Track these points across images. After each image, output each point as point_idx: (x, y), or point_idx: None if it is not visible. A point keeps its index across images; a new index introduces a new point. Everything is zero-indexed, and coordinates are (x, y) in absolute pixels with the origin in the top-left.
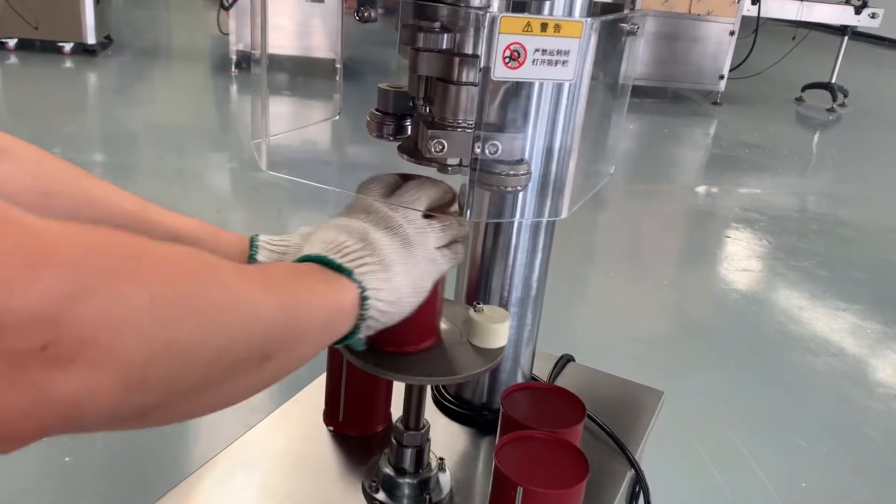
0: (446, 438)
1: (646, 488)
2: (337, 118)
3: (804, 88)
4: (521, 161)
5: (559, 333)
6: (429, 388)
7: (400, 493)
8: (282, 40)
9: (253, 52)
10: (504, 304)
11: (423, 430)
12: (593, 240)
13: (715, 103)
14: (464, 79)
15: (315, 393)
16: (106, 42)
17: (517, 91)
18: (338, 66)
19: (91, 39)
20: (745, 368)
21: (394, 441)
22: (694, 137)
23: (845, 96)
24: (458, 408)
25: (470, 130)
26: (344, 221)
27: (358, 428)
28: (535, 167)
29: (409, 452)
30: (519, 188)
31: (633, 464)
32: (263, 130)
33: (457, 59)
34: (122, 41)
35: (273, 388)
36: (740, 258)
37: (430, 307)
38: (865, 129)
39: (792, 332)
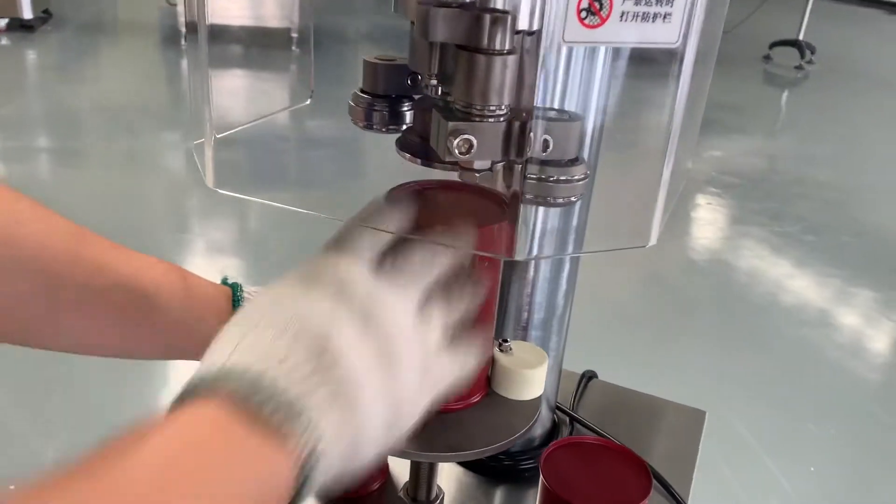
0: (453, 489)
1: None
2: (307, 103)
3: (772, 46)
4: (576, 160)
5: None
6: None
7: None
8: (231, 9)
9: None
10: (524, 328)
11: (435, 501)
12: None
13: None
14: (504, 46)
15: None
16: (44, 17)
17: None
18: (294, 35)
19: (28, 14)
20: (738, 344)
21: None
22: (665, 100)
23: (813, 53)
24: None
25: (503, 120)
26: (299, 307)
27: (349, 488)
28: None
29: None
30: (573, 199)
31: None
32: (207, 130)
33: (493, 18)
34: (62, 15)
35: None
36: (721, 225)
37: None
38: (834, 86)
39: (783, 302)
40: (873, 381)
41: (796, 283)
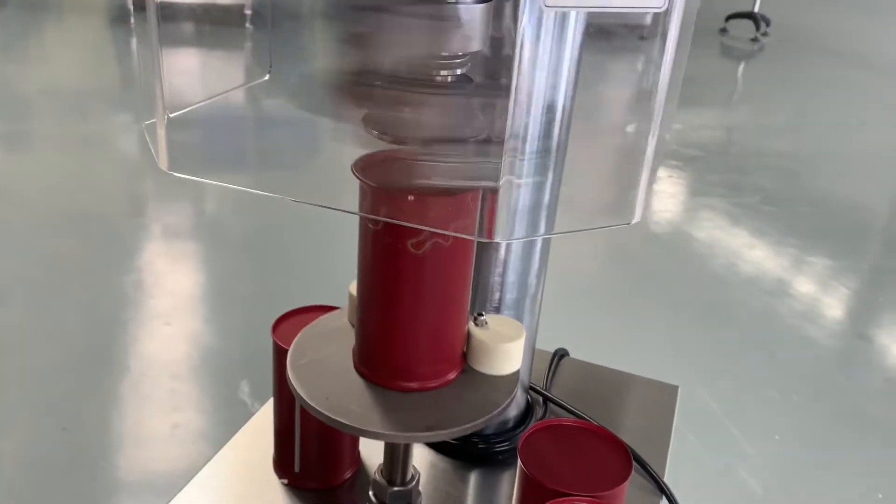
0: (427, 475)
1: None
2: (266, 79)
3: (727, 18)
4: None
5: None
6: None
7: None
8: None
9: None
10: (496, 307)
11: (412, 484)
12: None
13: (642, 38)
14: None
15: (262, 430)
16: None
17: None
18: (247, 11)
19: None
20: (699, 313)
21: (374, 499)
22: (621, 73)
23: (768, 25)
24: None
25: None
26: None
27: (319, 479)
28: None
29: None
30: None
31: (666, 493)
32: (159, 109)
33: None
34: None
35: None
36: (682, 197)
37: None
38: (790, 57)
39: (743, 272)
40: (832, 347)
41: (755, 254)
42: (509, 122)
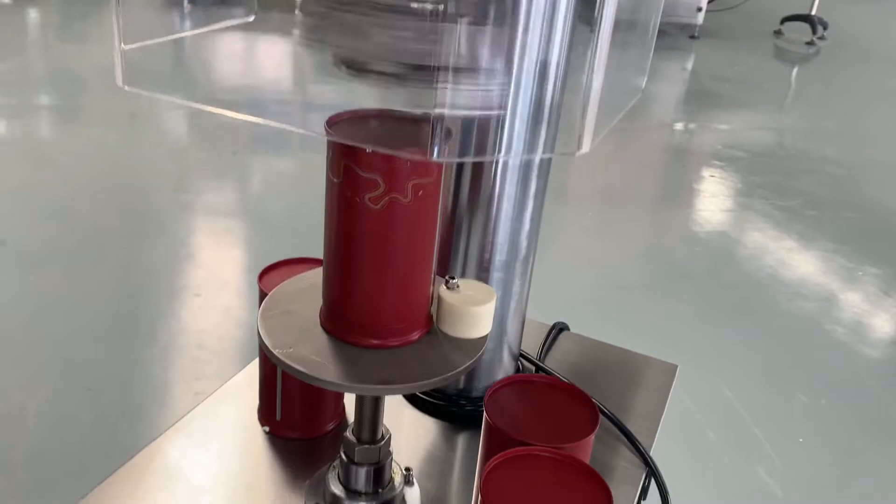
0: (414, 436)
1: (664, 493)
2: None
3: (783, 21)
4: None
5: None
6: None
7: None
8: None
9: None
10: (486, 269)
11: (381, 443)
12: (566, 180)
13: (692, 37)
14: None
15: (250, 382)
16: None
17: None
18: None
19: None
20: (735, 316)
21: (343, 457)
22: (670, 72)
23: (825, 28)
24: (429, 398)
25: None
26: None
27: (300, 429)
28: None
29: (363, 471)
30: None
31: (650, 465)
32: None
33: None
34: None
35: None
36: (724, 198)
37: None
38: (846, 62)
39: (782, 276)
40: (870, 356)
41: (796, 257)
42: (451, 49)
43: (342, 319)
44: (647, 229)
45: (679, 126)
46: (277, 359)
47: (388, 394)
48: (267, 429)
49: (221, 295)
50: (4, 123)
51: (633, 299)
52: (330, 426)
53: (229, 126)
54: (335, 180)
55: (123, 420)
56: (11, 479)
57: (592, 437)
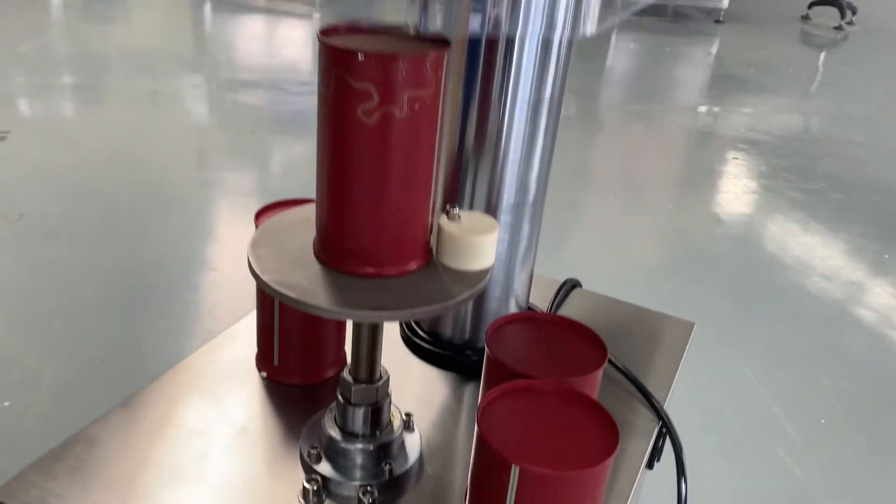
0: (418, 386)
1: (677, 447)
2: None
3: (811, 6)
4: None
5: (553, 260)
6: (396, 324)
7: (349, 463)
8: None
9: None
10: (493, 211)
11: (379, 384)
12: (590, 162)
13: (717, 21)
14: None
15: (250, 330)
16: None
17: None
18: None
19: None
20: (757, 297)
21: (340, 397)
22: (696, 56)
23: (854, 14)
24: (434, 347)
25: None
26: None
27: (299, 375)
28: None
29: (360, 412)
30: None
31: (664, 419)
32: None
33: None
34: None
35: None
36: (748, 180)
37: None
38: (874, 47)
39: (805, 259)
40: (891, 337)
41: (820, 240)
42: None
43: (336, 246)
44: (670, 211)
45: (703, 109)
46: (267, 285)
47: (381, 320)
48: (264, 374)
49: (237, 269)
50: (26, 101)
51: (653, 280)
52: (330, 373)
53: (250, 107)
54: (326, 92)
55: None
56: (24, 447)
57: (600, 373)
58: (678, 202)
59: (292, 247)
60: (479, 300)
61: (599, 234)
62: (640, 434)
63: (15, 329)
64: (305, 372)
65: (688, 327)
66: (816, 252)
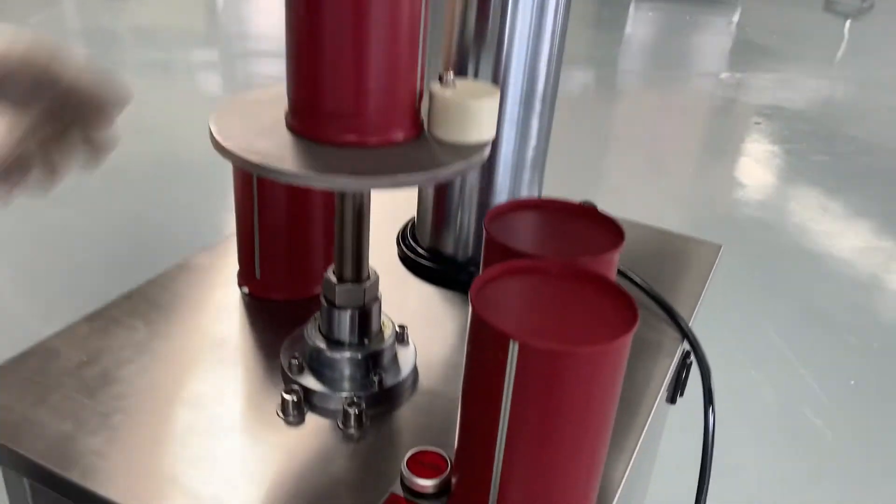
0: (417, 304)
1: (704, 365)
2: None
3: None
4: None
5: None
6: (394, 244)
7: (335, 375)
8: None
9: None
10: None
11: (366, 284)
12: (611, 127)
13: None
14: None
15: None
16: None
17: None
18: None
19: None
20: (782, 260)
21: (323, 300)
22: (716, 25)
23: None
24: (434, 264)
25: None
26: None
27: (283, 290)
28: None
29: (346, 317)
30: None
31: (688, 337)
32: None
33: None
34: None
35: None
36: (772, 144)
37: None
38: None
39: (832, 222)
40: None
41: (844, 202)
42: None
43: (309, 109)
44: (692, 174)
45: (725, 76)
46: (228, 152)
47: (357, 188)
48: (246, 290)
49: None
50: None
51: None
52: (317, 289)
53: (263, 76)
54: None
55: None
56: None
57: (616, 255)
58: (700, 166)
59: (262, 119)
60: (483, 211)
61: (619, 198)
62: (663, 352)
63: (18, 290)
64: (290, 286)
65: (714, 249)
66: (843, 214)
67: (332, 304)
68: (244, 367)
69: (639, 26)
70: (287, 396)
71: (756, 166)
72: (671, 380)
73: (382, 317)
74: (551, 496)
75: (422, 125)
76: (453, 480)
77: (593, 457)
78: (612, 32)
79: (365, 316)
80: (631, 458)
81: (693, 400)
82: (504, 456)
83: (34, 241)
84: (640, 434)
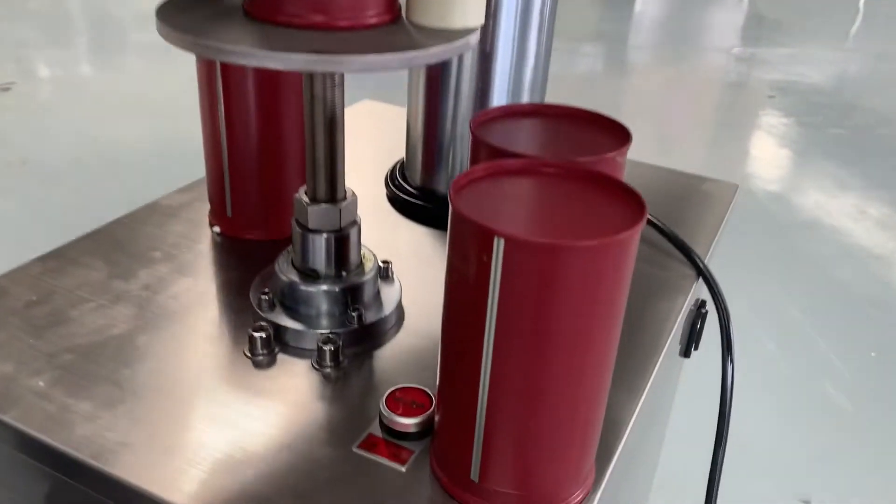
0: (405, 243)
1: (723, 316)
2: None
3: None
4: None
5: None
6: (382, 184)
7: (310, 311)
8: None
9: None
10: (489, 16)
11: (342, 203)
12: (622, 105)
13: None
14: None
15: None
16: None
17: None
18: None
19: None
20: (798, 234)
21: (295, 225)
22: (727, 0)
23: None
24: (424, 202)
25: None
26: None
27: (257, 228)
28: None
29: (321, 243)
30: None
31: (705, 275)
32: None
33: None
34: None
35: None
36: (787, 121)
37: None
38: None
39: (850, 194)
40: None
41: (862, 172)
42: None
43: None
44: (705, 148)
45: (737, 50)
46: (178, 37)
47: (320, 67)
48: (217, 229)
49: None
50: (34, 51)
51: None
52: None
53: None
54: None
55: None
56: None
57: (622, 157)
58: (713, 140)
59: (217, 8)
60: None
61: (629, 178)
62: (677, 290)
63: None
64: (265, 225)
65: (731, 188)
66: (860, 186)
67: (304, 227)
68: (211, 308)
69: (649, 2)
70: (255, 334)
71: (771, 140)
72: (685, 330)
73: (364, 250)
74: (541, 433)
75: (399, 10)
76: (436, 419)
77: (593, 385)
78: (621, 9)
79: (342, 242)
80: (640, 399)
81: (709, 372)
82: (490, 380)
83: (32, 223)
84: (652, 372)
